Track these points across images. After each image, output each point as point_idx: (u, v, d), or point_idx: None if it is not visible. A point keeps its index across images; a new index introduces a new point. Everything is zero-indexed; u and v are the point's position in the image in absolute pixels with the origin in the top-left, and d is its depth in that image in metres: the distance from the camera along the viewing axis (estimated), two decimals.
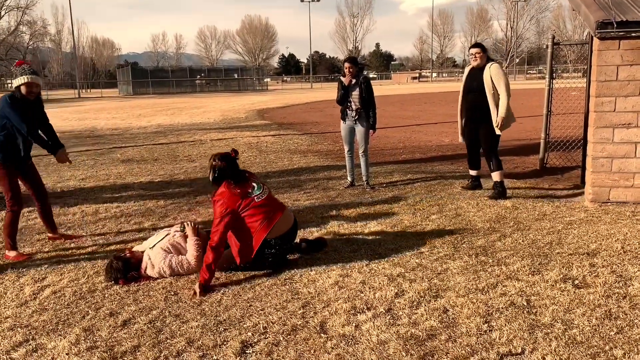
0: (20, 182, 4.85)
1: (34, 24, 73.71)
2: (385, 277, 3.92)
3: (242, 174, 4.23)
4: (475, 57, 6.15)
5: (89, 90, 64.03)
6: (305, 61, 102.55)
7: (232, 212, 3.97)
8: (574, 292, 3.55)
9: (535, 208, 5.74)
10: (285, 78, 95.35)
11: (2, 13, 69.64)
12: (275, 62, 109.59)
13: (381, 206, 6.04)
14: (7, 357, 2.98)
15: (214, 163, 4.15)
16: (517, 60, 78.79)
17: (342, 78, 6.77)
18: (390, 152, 10.23)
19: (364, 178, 6.98)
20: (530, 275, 3.86)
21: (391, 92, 38.65)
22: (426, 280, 3.85)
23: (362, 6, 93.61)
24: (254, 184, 4.19)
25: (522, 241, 4.66)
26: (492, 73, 5.99)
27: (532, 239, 4.72)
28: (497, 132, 6.08)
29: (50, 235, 5.14)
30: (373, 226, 5.25)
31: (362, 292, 3.68)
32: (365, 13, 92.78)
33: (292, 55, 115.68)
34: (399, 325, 3.19)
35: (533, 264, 4.09)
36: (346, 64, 6.71)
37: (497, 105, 6.01)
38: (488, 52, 6.31)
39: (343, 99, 6.76)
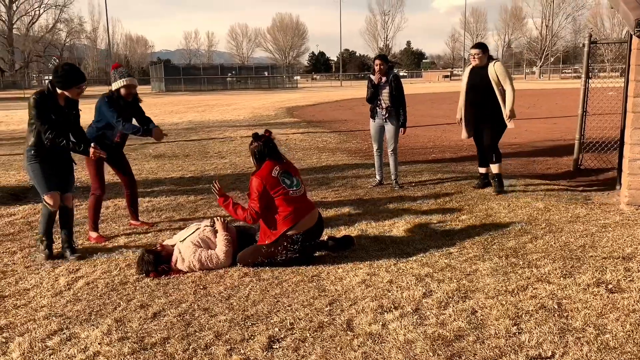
0: (112, 170, 5.50)
1: (71, 21, 75.77)
2: (413, 277, 3.90)
3: (282, 156, 4.38)
4: (475, 58, 6.30)
5: None
6: (335, 59, 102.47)
7: (265, 190, 4.13)
8: (608, 297, 3.46)
9: (568, 210, 5.62)
10: (315, 76, 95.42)
11: (41, 11, 71.65)
12: (305, 60, 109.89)
13: (410, 205, 6.00)
14: (43, 344, 3.08)
15: (251, 147, 4.30)
16: (552, 59, 77.16)
17: (371, 76, 6.75)
18: (420, 151, 10.15)
19: (393, 177, 6.94)
20: (561, 278, 3.79)
21: (422, 90, 38.31)
22: (455, 280, 3.81)
23: (393, 4, 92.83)
24: (294, 179, 4.30)
25: (554, 243, 4.57)
26: (497, 70, 6.18)
27: (565, 241, 4.62)
28: (510, 125, 6.26)
29: (132, 222, 5.53)
30: (401, 225, 5.22)
31: (390, 291, 3.67)
32: (397, 11, 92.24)
33: (322, 53, 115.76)
34: (426, 325, 3.17)
35: (565, 267, 4.01)
36: (376, 61, 6.68)
37: (504, 101, 6.19)
38: (489, 51, 6.42)
39: (373, 97, 6.74)
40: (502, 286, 3.69)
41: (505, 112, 6.16)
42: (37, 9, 71.17)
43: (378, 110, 6.74)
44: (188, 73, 56.06)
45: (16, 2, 67.94)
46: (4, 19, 67.19)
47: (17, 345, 3.06)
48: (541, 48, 77.74)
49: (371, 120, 6.92)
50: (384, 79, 6.60)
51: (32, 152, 4.42)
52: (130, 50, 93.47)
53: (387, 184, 7.05)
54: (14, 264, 4.45)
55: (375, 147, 7.02)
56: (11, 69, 70.90)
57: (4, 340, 3.14)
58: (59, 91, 4.40)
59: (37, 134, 4.41)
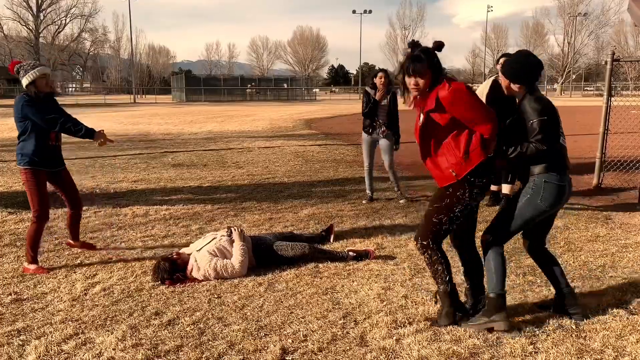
0: (55, 190, 4.71)
1: (96, 31, 77.35)
2: (428, 292, 3.87)
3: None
4: None
5: (144, 96, 66.31)
6: (355, 72, 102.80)
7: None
8: (627, 318, 3.40)
9: (588, 229, 5.53)
10: (333, 89, 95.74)
11: (67, 20, 73.24)
12: (324, 72, 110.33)
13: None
14: (58, 348, 3.11)
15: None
16: (574, 76, 76.45)
17: (368, 89, 6.68)
18: None
19: (396, 189, 6.96)
20: (580, 298, 3.72)
21: None
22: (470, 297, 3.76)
23: (414, 19, 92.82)
24: None
25: (573, 263, 4.50)
26: None
27: (584, 260, 4.55)
28: None
29: (70, 242, 4.99)
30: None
31: (404, 306, 3.64)
32: (417, 25, 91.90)
33: (341, 66, 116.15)
34: (440, 341, 3.13)
35: (584, 287, 3.94)
36: (380, 74, 6.55)
37: None
38: None
39: (371, 113, 6.65)
40: (519, 304, 3.63)
41: None
42: (63, 18, 72.77)
43: (376, 126, 6.67)
44: (208, 84, 56.62)
45: (43, 12, 69.54)
46: (31, 27, 68.79)
47: (34, 348, 3.09)
48: (563, 65, 77.08)
49: (365, 135, 6.81)
50: (386, 99, 6.57)
51: None
52: (153, 60, 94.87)
53: (390, 198, 7.01)
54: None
55: (366, 162, 6.93)
56: None
57: (20, 343, 3.18)
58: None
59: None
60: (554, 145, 3.21)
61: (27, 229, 5.22)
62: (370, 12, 72.01)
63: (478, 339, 3.14)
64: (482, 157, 3.11)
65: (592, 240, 5.14)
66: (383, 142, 6.74)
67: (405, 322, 3.39)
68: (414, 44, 3.14)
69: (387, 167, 6.87)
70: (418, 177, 8.62)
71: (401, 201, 6.84)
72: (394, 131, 6.69)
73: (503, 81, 3.42)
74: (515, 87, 3.32)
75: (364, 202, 6.93)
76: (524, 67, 3.29)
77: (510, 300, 3.70)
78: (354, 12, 72.52)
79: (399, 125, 6.75)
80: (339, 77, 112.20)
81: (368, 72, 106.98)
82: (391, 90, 6.61)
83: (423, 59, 3.06)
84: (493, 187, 6.68)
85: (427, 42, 3.19)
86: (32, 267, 4.42)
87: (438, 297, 3.35)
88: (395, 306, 3.64)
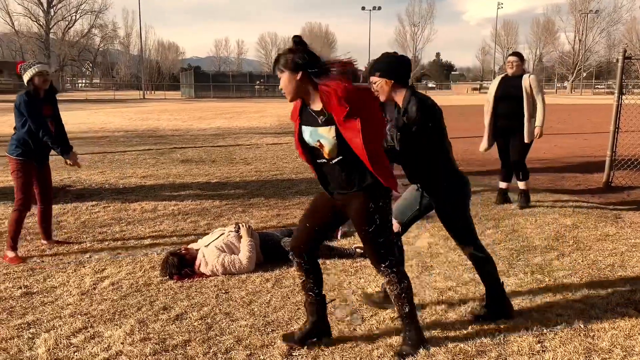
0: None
1: (105, 27, 77.56)
2: (436, 290, 3.86)
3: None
4: (513, 65, 6.20)
5: (153, 92, 66.47)
6: (363, 69, 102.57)
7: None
8: (636, 318, 3.37)
9: (597, 228, 5.50)
10: None
11: (77, 16, 73.56)
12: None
13: (433, 218, 5.94)
14: (67, 342, 3.14)
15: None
16: (585, 74, 75.80)
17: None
18: None
19: None
20: (589, 297, 3.70)
21: (450, 102, 38.03)
22: (478, 295, 3.76)
23: (423, 15, 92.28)
24: None
25: (582, 261, 4.48)
26: (532, 83, 6.10)
27: (593, 259, 4.52)
28: (527, 140, 6.13)
29: (43, 241, 4.96)
30: (425, 237, 5.18)
31: None
32: (427, 22, 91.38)
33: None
34: (448, 339, 3.13)
35: (592, 286, 3.92)
36: None
37: (531, 115, 6.10)
38: (524, 62, 6.33)
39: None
40: (526, 303, 3.62)
41: (536, 131, 6.10)
42: (74, 14, 73.09)
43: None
44: (217, 80, 56.70)
45: (54, 8, 69.90)
46: (41, 23, 69.16)
47: (43, 341, 3.12)
48: (573, 62, 76.41)
49: None
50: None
51: None
52: (162, 57, 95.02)
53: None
54: (43, 261, 4.55)
55: None
56: None
57: (30, 336, 3.22)
58: None
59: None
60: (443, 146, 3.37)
61: (33, 223, 5.29)
62: (379, 8, 71.87)
63: (485, 337, 3.14)
64: None
65: (602, 239, 5.11)
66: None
67: None
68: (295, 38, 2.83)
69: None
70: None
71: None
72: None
73: (382, 91, 3.18)
74: (397, 91, 3.15)
75: None
76: (402, 65, 3.14)
77: (518, 298, 3.69)
78: (363, 8, 72.42)
79: None
80: (347, 74, 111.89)
81: None
82: None
83: (283, 57, 2.77)
84: (502, 185, 6.63)
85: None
86: (11, 254, 4.57)
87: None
88: None
